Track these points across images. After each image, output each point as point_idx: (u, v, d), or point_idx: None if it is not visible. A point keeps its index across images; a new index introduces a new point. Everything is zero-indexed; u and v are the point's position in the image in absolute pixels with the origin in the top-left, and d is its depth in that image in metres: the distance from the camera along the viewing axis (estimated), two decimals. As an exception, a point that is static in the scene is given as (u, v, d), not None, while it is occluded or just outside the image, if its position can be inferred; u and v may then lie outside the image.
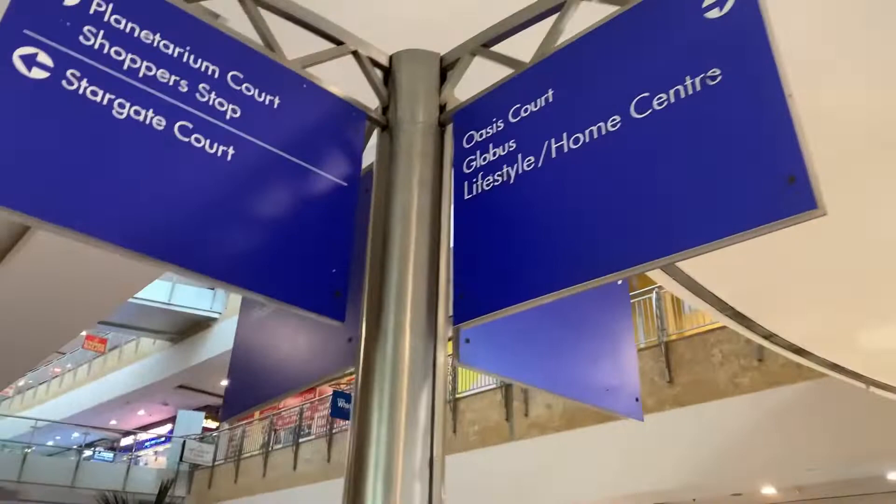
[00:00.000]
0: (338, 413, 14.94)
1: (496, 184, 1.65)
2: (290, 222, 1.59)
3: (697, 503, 9.99)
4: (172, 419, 25.92)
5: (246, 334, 2.20)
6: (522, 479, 10.40)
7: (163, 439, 26.08)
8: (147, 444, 25.40)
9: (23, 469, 17.54)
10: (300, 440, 16.20)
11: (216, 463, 18.47)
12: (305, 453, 15.83)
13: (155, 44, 1.50)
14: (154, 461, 22.44)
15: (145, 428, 26.06)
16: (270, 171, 1.60)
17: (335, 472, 14.68)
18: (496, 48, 1.90)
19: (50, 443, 25.77)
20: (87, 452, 22.10)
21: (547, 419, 10.60)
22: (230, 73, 1.60)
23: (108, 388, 24.41)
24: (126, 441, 26.95)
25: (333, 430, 15.38)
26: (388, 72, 1.94)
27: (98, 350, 23.94)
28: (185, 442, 18.53)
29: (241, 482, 16.98)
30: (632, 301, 4.48)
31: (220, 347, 19.89)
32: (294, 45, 1.80)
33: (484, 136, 1.73)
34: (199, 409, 22.64)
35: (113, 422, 26.14)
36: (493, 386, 11.89)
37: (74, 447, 23.14)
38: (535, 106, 1.66)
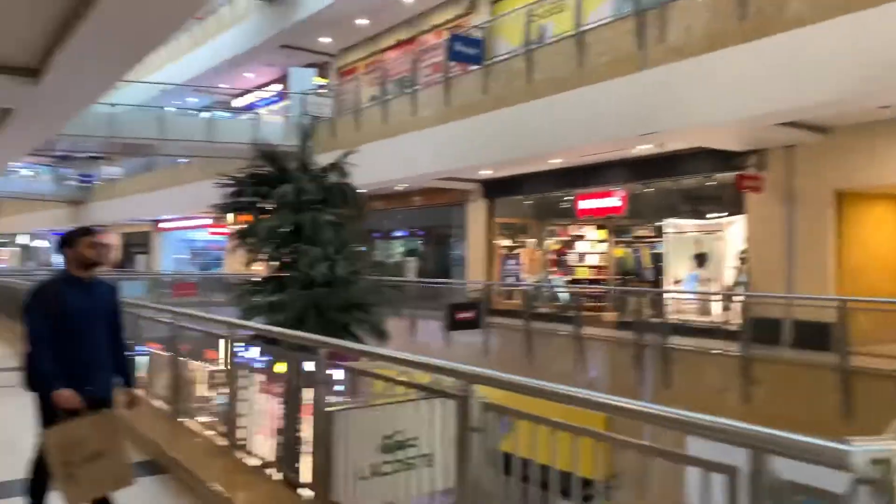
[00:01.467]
0: (455, 56, 15.01)
1: None
2: None
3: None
4: (279, 79, 26.82)
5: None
6: (656, 106, 10.58)
7: (275, 97, 27.36)
8: (259, 103, 26.70)
9: (163, 126, 19.10)
10: (416, 88, 16.65)
11: (336, 115, 19.47)
12: (423, 99, 16.38)
13: None
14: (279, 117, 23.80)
15: (260, 87, 27.07)
16: None
17: (452, 115, 15.30)
18: None
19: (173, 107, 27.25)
20: (207, 114, 23.36)
21: (685, 42, 10.32)
22: None
23: (213, 53, 24.97)
24: (238, 103, 28.46)
25: (449, 76, 15.62)
26: None
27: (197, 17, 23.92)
28: (304, 96, 19.37)
29: (365, 130, 18.03)
30: None
31: (320, 2, 19.51)
32: None
33: None
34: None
35: (223, 85, 27.27)
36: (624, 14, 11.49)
37: (198, 109, 24.70)
38: None
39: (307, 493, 4.25)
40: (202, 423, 5.92)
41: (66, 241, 3.82)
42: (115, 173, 32.61)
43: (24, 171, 35.96)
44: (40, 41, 6.11)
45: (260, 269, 24.54)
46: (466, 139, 14.81)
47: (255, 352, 5.67)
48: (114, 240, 37.85)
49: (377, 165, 14.84)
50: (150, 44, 6.26)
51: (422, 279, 17.65)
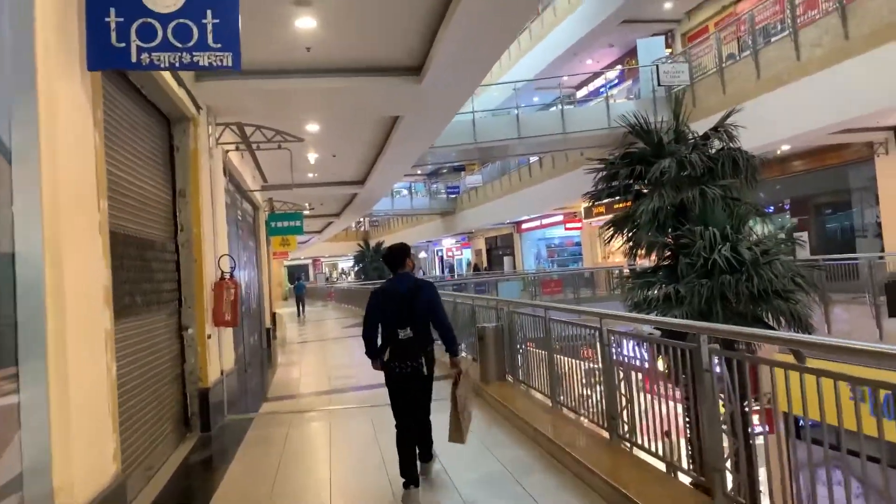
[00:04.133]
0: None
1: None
2: None
3: None
4: (620, 60, 25.57)
5: None
6: None
7: (615, 82, 26.20)
8: (603, 90, 25.77)
9: (519, 126, 19.28)
10: (797, 27, 13.82)
11: (694, 80, 17.48)
12: (809, 37, 13.51)
13: None
14: (624, 98, 22.63)
15: (608, 67, 26.20)
16: None
17: (855, 48, 12.23)
18: None
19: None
20: (557, 107, 23.11)
21: None
22: None
23: (554, 44, 24.81)
24: (582, 94, 27.95)
25: (845, -1, 12.55)
26: None
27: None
28: (656, 66, 17.80)
29: (731, 90, 15.75)
30: None
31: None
32: None
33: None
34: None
35: (565, 78, 27.00)
36: None
37: (547, 102, 24.76)
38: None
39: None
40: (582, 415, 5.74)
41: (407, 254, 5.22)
42: (476, 182, 34.82)
43: (404, 192, 40.76)
44: (418, 38, 5.80)
45: (621, 261, 23.72)
46: (878, 75, 11.68)
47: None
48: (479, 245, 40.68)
49: (754, 128, 12.57)
50: (515, 22, 5.60)
51: (828, 256, 14.58)
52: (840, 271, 13.62)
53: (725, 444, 3.66)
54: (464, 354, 5.03)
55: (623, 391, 4.87)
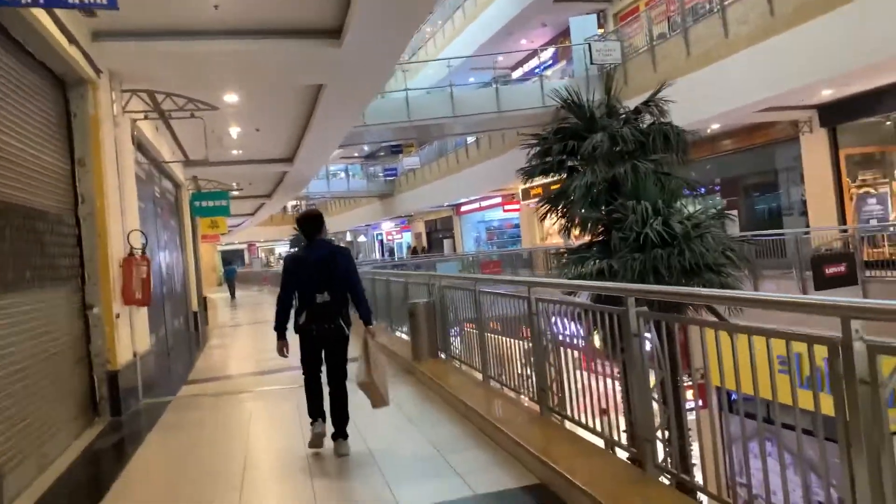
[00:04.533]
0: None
1: None
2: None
3: None
4: (554, 40, 25.53)
5: None
6: None
7: (549, 62, 26.17)
8: (538, 70, 25.70)
9: (453, 104, 18.99)
10: (724, 4, 13.96)
11: (626, 59, 17.55)
12: (736, 15, 13.66)
13: None
14: (559, 78, 22.58)
15: (542, 46, 26.09)
16: None
17: (779, 26, 12.42)
18: None
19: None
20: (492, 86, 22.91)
21: None
22: None
23: (487, 24, 24.55)
24: (517, 75, 27.83)
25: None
26: None
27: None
28: (589, 45, 17.78)
29: (662, 68, 15.85)
30: None
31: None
32: None
33: None
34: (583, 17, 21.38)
35: (500, 58, 26.80)
36: None
37: (483, 82, 24.48)
38: None
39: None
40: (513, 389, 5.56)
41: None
42: (414, 164, 34.42)
43: (341, 174, 40.01)
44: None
45: (559, 242, 23.85)
46: (802, 51, 11.89)
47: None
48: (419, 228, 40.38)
49: (685, 106, 12.64)
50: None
51: (757, 232, 14.89)
52: (769, 248, 13.92)
53: (656, 414, 3.49)
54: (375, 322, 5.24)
55: (552, 362, 4.67)
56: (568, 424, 4.45)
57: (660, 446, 3.47)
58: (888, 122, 14.40)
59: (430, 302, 7.54)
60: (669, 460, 3.39)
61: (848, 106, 14.11)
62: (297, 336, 5.05)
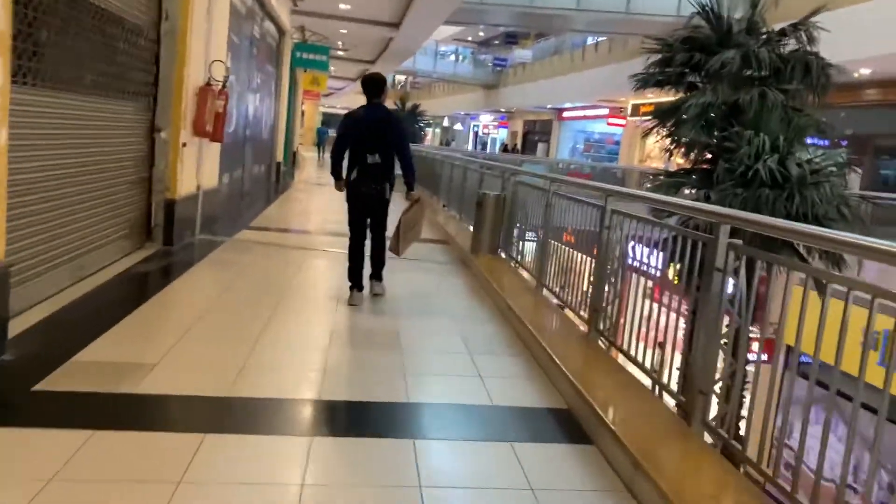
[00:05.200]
0: None
1: None
2: None
3: None
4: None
5: None
6: None
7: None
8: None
9: (580, -3, 17.58)
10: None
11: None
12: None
13: None
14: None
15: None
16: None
17: None
18: None
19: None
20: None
21: None
22: None
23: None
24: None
25: None
26: None
27: None
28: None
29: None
30: None
31: None
32: None
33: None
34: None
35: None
36: None
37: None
38: None
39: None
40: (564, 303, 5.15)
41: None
42: (525, 57, 32.82)
43: (451, 56, 38.78)
44: None
45: (658, 166, 22.46)
46: None
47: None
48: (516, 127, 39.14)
49: (838, 40, 11.06)
50: None
51: (881, 194, 13.37)
52: (891, 215, 12.51)
53: (720, 366, 2.98)
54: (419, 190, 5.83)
55: (613, 282, 4.17)
56: (616, 354, 4.00)
57: (714, 402, 2.98)
58: None
59: (500, 196, 7.05)
60: (723, 420, 2.91)
61: None
62: (346, 201, 5.33)
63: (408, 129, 5.56)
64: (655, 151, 20.14)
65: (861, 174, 14.75)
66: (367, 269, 5.38)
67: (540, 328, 4.46)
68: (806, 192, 7.79)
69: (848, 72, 12.25)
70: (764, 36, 9.00)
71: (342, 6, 13.38)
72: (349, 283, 5.22)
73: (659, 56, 9.40)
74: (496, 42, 38.90)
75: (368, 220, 5.33)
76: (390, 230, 5.40)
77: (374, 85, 5.21)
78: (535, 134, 37.83)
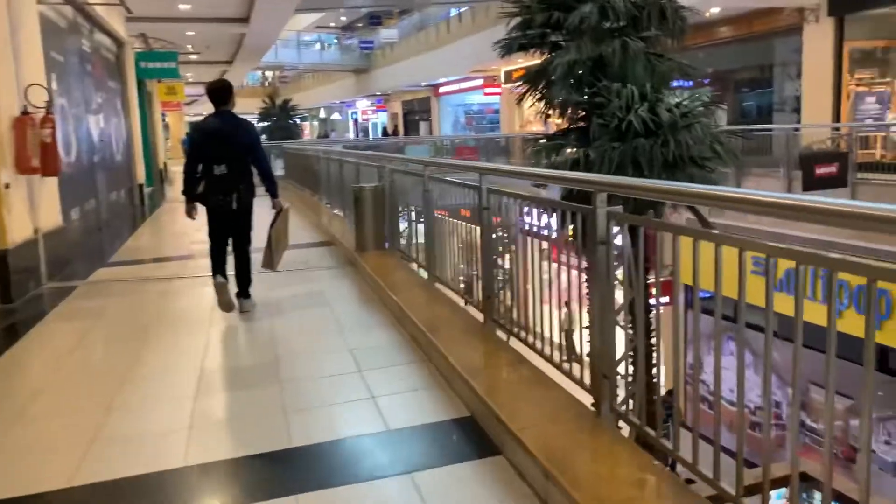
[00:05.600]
0: None
1: None
2: None
3: None
4: None
5: None
6: None
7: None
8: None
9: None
10: None
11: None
12: None
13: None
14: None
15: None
16: None
17: None
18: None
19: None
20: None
21: None
22: None
23: None
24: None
25: None
26: None
27: None
28: None
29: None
30: None
31: None
32: None
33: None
34: None
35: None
36: None
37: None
38: None
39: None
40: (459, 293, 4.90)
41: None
42: (392, 37, 32.24)
43: (316, 45, 37.61)
44: None
45: (539, 129, 22.67)
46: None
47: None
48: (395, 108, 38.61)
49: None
50: None
51: (745, 127, 13.91)
52: (757, 144, 13.03)
53: (620, 345, 2.72)
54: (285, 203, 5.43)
55: (502, 264, 3.87)
56: (515, 343, 3.70)
57: (621, 386, 2.73)
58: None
59: (378, 187, 6.63)
60: (631, 404, 2.66)
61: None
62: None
63: (257, 134, 5.31)
64: (534, 115, 20.25)
65: (726, 110, 15.35)
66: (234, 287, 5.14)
67: (434, 328, 4.10)
68: (679, 136, 7.83)
69: (700, 12, 12.56)
70: (619, -16, 8.98)
71: (182, 6, 12.40)
72: (212, 274, 5.11)
73: (519, 19, 9.24)
74: (360, 25, 38.03)
75: (230, 236, 5.14)
76: (257, 242, 5.22)
77: (219, 93, 5.06)
78: (416, 113, 37.46)
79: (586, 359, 2.93)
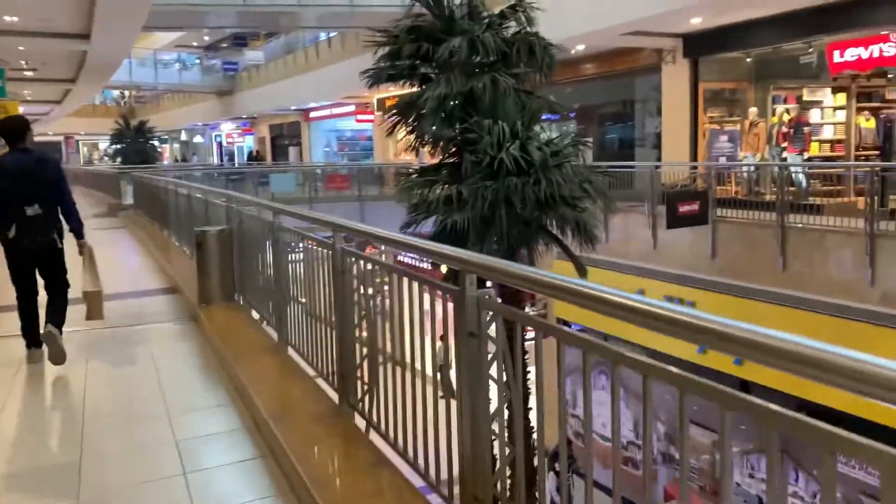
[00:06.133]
0: None
1: None
2: None
3: None
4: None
5: None
6: None
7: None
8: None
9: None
10: None
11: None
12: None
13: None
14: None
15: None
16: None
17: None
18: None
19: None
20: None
21: None
22: None
23: None
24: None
25: None
26: None
27: None
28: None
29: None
30: None
31: None
32: None
33: None
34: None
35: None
36: None
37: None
38: None
39: None
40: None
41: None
42: (258, 58, 30.96)
43: (176, 65, 35.54)
44: None
45: (412, 159, 22.39)
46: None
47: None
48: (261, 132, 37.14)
49: (552, 20, 11.38)
50: None
51: (611, 163, 14.24)
52: (620, 180, 13.33)
53: (499, 459, 2.21)
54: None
55: (360, 338, 3.28)
56: (376, 438, 3.09)
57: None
58: (748, 59, 14.11)
59: (225, 231, 5.84)
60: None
61: (713, 37, 13.59)
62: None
63: (62, 171, 5.04)
64: (401, 139, 19.96)
65: (591, 146, 15.71)
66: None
67: (279, 415, 3.43)
68: (550, 175, 7.64)
69: (567, 49, 12.70)
70: (486, 20, 8.79)
71: (7, 18, 10.93)
72: (26, 345, 4.82)
73: (387, 49, 8.82)
74: (224, 45, 36.32)
75: (42, 279, 4.86)
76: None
77: (11, 131, 4.79)
78: (285, 138, 36.17)
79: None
